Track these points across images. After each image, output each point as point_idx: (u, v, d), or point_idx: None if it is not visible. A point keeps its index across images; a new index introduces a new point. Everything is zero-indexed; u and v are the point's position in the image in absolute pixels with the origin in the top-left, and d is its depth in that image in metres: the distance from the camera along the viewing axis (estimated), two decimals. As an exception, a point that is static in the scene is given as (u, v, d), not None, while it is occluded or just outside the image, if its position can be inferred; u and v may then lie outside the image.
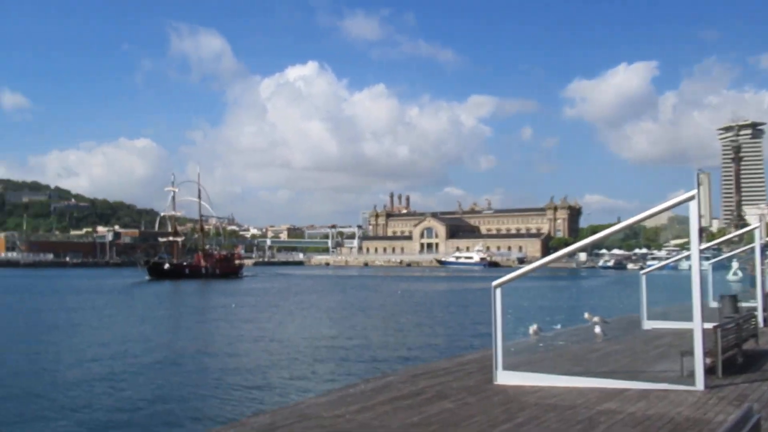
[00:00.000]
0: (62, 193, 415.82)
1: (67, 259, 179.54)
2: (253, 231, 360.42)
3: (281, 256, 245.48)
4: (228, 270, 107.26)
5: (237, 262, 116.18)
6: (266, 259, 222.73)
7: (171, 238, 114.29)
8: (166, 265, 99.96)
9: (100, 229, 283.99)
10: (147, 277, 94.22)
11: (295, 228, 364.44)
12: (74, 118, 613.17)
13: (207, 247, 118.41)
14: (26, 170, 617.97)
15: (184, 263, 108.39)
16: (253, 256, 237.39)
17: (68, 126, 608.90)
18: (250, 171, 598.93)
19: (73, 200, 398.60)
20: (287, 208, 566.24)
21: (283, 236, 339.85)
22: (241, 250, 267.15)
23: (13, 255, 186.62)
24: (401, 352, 24.95)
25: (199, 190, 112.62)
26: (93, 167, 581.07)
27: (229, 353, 24.60)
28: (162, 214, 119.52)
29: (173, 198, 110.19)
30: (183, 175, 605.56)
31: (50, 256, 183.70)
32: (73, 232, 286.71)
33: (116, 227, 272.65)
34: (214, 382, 19.09)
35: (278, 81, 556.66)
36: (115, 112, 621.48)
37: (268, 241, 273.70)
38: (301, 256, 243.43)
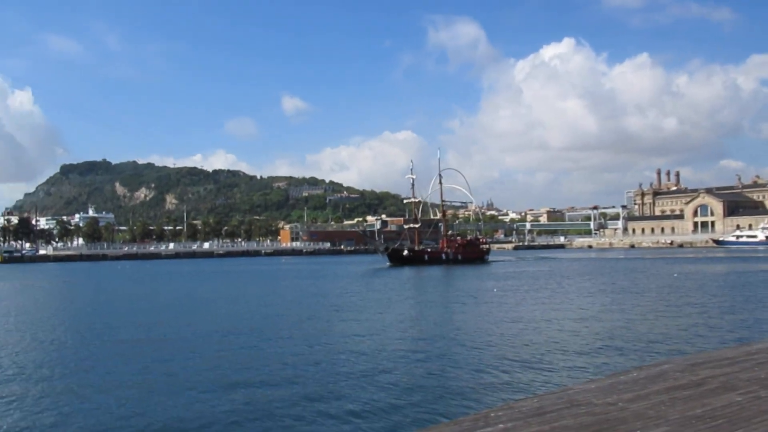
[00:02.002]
0: (335, 187, 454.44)
1: (342, 246, 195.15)
2: (512, 215, 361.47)
3: (541, 240, 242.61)
4: (472, 255, 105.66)
5: (484, 246, 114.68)
6: (526, 243, 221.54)
7: (411, 225, 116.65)
8: (405, 252, 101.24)
9: (369, 218, 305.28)
10: (387, 264, 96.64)
11: (554, 210, 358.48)
12: (344, 116, 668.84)
13: (450, 232, 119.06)
14: (305, 167, 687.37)
15: (429, 249, 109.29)
16: (513, 240, 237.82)
17: (339, 124, 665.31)
18: (507, 155, 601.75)
19: (344, 192, 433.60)
20: (546, 191, 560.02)
21: (543, 219, 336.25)
22: (500, 234, 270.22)
23: (296, 244, 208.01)
24: (677, 339, 23.23)
25: (440, 176, 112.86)
26: (361, 161, 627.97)
27: (497, 336, 24.84)
28: (405, 200, 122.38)
29: (413, 184, 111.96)
30: (443, 163, 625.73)
31: (327, 245, 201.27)
32: (346, 222, 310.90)
33: (383, 216, 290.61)
34: (483, 364, 19.41)
35: (533, 62, 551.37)
36: (379, 108, 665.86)
37: (528, 225, 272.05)
38: (561, 239, 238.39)
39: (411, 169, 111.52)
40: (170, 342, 25.23)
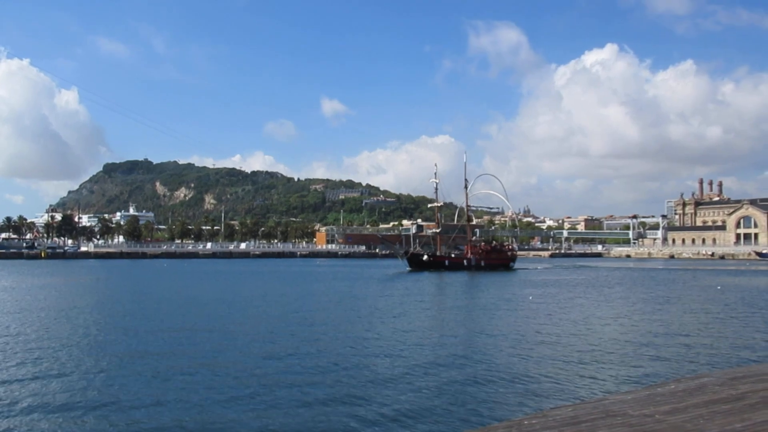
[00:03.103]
0: (372, 190, 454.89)
1: (377, 250, 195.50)
2: (549, 222, 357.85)
3: (578, 248, 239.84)
4: (495, 261, 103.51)
5: (510, 253, 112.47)
6: (563, 251, 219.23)
7: (433, 230, 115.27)
8: (425, 257, 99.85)
9: (405, 222, 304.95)
10: (408, 268, 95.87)
11: (592, 219, 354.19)
12: (382, 119, 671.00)
13: (475, 238, 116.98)
14: (342, 170, 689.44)
15: (453, 254, 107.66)
16: (550, 247, 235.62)
17: (377, 127, 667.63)
18: (546, 161, 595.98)
19: (381, 196, 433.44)
20: (584, 198, 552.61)
21: (580, 227, 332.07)
22: (537, 241, 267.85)
23: (332, 247, 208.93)
24: (717, 352, 22.75)
25: (466, 180, 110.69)
26: (398, 164, 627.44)
27: (532, 344, 24.66)
28: (430, 205, 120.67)
29: (436, 188, 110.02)
30: (480, 169, 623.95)
31: (363, 248, 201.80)
32: (382, 225, 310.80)
33: (419, 220, 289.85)
34: (517, 372, 19.28)
35: (574, 68, 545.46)
36: (417, 112, 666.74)
37: (565, 233, 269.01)
38: (599, 248, 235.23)
39: (435, 173, 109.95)
40: (212, 334, 25.65)
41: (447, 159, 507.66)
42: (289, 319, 33.41)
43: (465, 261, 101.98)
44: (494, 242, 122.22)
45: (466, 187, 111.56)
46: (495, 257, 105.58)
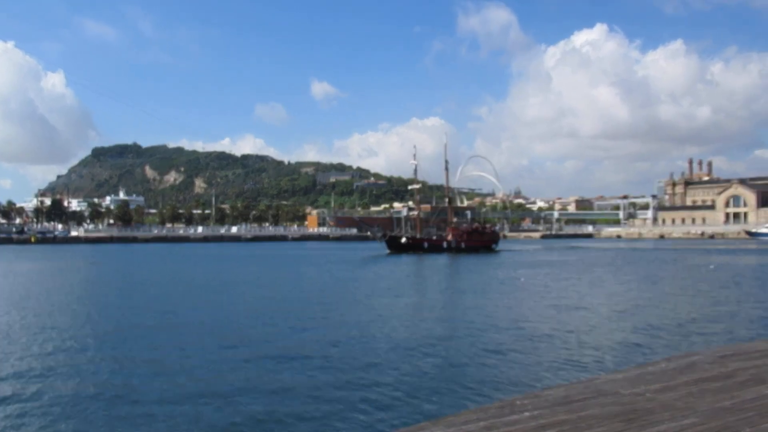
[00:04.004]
0: (363, 173, 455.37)
1: (368, 233, 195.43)
2: (540, 204, 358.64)
3: (569, 229, 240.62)
4: (477, 243, 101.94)
5: (498, 234, 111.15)
6: (553, 232, 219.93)
7: (412, 213, 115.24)
8: (403, 239, 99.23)
9: (396, 204, 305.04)
10: (387, 251, 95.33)
11: (583, 199, 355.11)
12: (373, 102, 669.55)
13: (455, 220, 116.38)
14: (333, 153, 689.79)
15: (434, 237, 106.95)
16: (541, 228, 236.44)
17: (367, 110, 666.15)
18: (537, 142, 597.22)
19: (372, 178, 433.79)
20: (575, 179, 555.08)
21: (571, 208, 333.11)
22: (528, 223, 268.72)
23: (323, 230, 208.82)
24: (707, 331, 22.94)
25: (446, 161, 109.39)
26: (389, 147, 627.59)
27: (523, 325, 24.75)
28: (409, 187, 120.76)
29: (415, 170, 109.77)
30: (472, 151, 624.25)
31: (354, 231, 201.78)
32: (373, 208, 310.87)
33: (410, 203, 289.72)
34: (509, 352, 19.38)
35: (564, 48, 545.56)
36: (408, 94, 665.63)
37: (556, 214, 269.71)
38: (590, 229, 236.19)
39: (414, 155, 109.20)
40: (197, 322, 25.68)
41: (437, 141, 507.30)
42: (282, 302, 33.48)
43: (444, 243, 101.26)
44: (476, 224, 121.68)
45: (446, 169, 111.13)
46: (476, 239, 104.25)
